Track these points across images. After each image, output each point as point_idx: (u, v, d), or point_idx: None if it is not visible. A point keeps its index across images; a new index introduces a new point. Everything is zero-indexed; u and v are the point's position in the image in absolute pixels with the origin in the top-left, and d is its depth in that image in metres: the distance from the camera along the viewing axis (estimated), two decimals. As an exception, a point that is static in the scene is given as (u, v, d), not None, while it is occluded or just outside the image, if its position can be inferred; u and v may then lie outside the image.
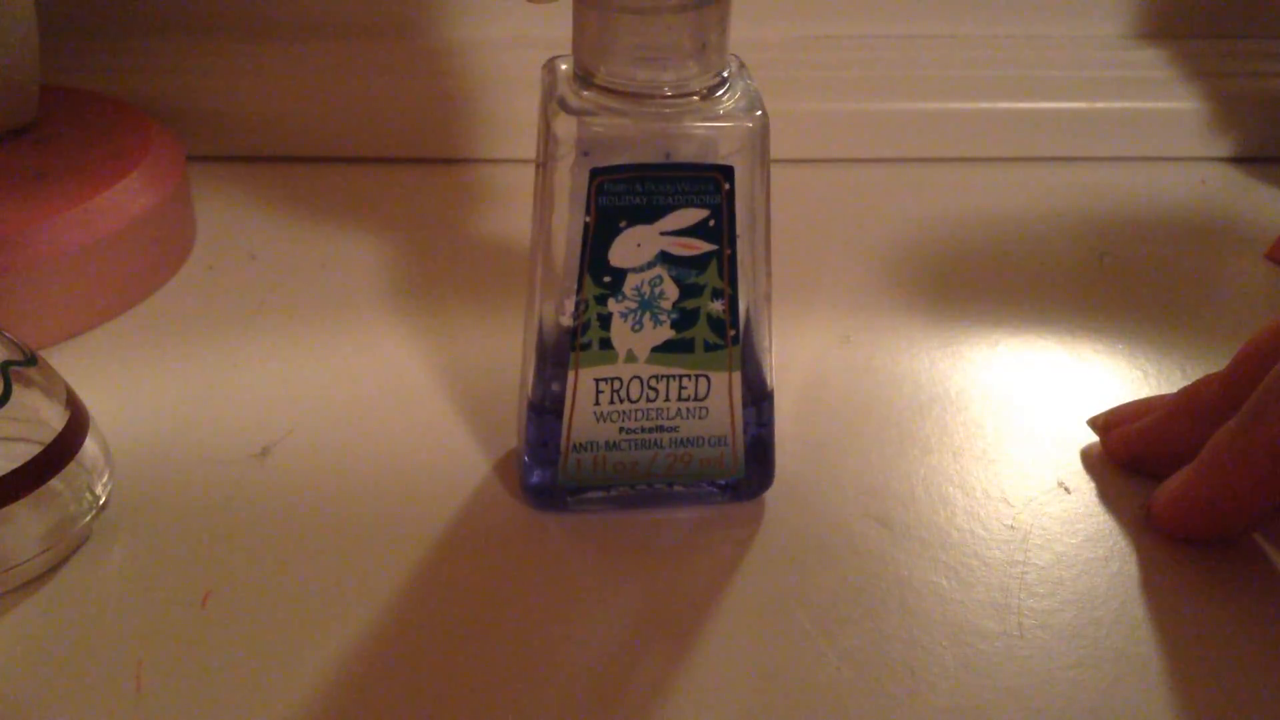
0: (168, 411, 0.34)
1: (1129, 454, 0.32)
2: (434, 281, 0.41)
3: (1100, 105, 0.49)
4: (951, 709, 0.25)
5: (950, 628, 0.27)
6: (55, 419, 0.29)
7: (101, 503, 0.30)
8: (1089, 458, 0.33)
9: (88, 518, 0.29)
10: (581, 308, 0.27)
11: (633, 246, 0.26)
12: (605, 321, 0.27)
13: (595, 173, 0.26)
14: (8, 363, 0.28)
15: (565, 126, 0.25)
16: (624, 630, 0.27)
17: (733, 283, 0.27)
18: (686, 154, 0.26)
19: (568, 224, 0.26)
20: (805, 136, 0.49)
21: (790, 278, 0.41)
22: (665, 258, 0.27)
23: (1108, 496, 0.31)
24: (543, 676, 0.26)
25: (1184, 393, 0.31)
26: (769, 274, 0.28)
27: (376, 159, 0.50)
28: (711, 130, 0.26)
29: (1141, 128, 0.50)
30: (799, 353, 0.37)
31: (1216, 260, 0.43)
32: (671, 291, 0.27)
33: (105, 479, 0.30)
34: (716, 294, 0.27)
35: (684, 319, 0.27)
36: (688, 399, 0.28)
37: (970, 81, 0.50)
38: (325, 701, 0.25)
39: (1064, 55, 0.52)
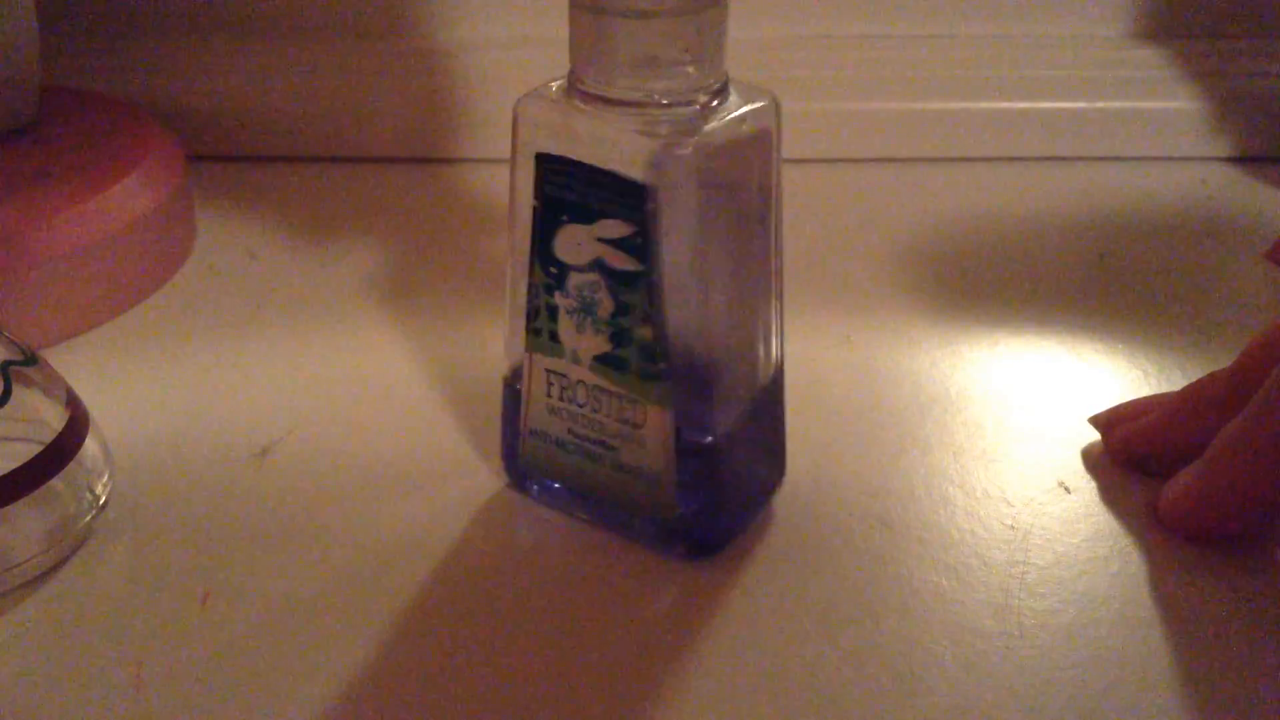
0: (168, 411, 0.34)
1: (1131, 452, 0.32)
2: (434, 281, 0.41)
3: (1100, 105, 0.49)
4: (951, 709, 0.25)
5: (950, 628, 0.27)
6: (55, 419, 0.29)
7: (101, 503, 0.30)
8: (1090, 457, 0.33)
9: (88, 518, 0.29)
10: (532, 292, 0.27)
11: (573, 244, 0.26)
12: (553, 313, 0.27)
13: (541, 158, 0.26)
14: (8, 363, 0.28)
15: (520, 110, 0.26)
16: (622, 629, 0.27)
17: (658, 311, 0.26)
18: (634, 164, 0.25)
19: (524, 208, 0.27)
20: (805, 136, 0.49)
21: (791, 277, 0.41)
22: (601, 266, 0.26)
23: (1109, 496, 0.31)
24: (545, 678, 0.26)
25: (1187, 390, 0.31)
26: (731, 315, 0.27)
27: (376, 159, 0.50)
28: (639, 148, 0.25)
29: (1141, 128, 0.50)
30: (799, 352, 0.37)
31: (1216, 260, 0.43)
32: (607, 303, 0.26)
33: (105, 479, 0.30)
34: (645, 318, 0.26)
35: (619, 335, 0.26)
36: (625, 421, 0.27)
37: (970, 81, 0.50)
38: (324, 701, 0.25)
39: (1064, 55, 0.52)
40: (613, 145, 0.25)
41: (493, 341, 0.37)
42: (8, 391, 0.28)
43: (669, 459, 0.27)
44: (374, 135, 0.49)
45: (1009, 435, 0.34)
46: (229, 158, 0.49)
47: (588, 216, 0.26)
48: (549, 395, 0.28)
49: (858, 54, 0.52)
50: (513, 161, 0.27)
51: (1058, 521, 0.30)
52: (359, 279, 0.41)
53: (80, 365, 0.36)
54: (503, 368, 0.30)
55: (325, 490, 0.31)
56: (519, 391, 0.29)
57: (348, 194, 0.47)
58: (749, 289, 0.28)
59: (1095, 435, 0.33)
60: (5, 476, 0.27)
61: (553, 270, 0.27)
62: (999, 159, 0.50)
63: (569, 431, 0.28)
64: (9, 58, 0.40)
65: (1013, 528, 0.30)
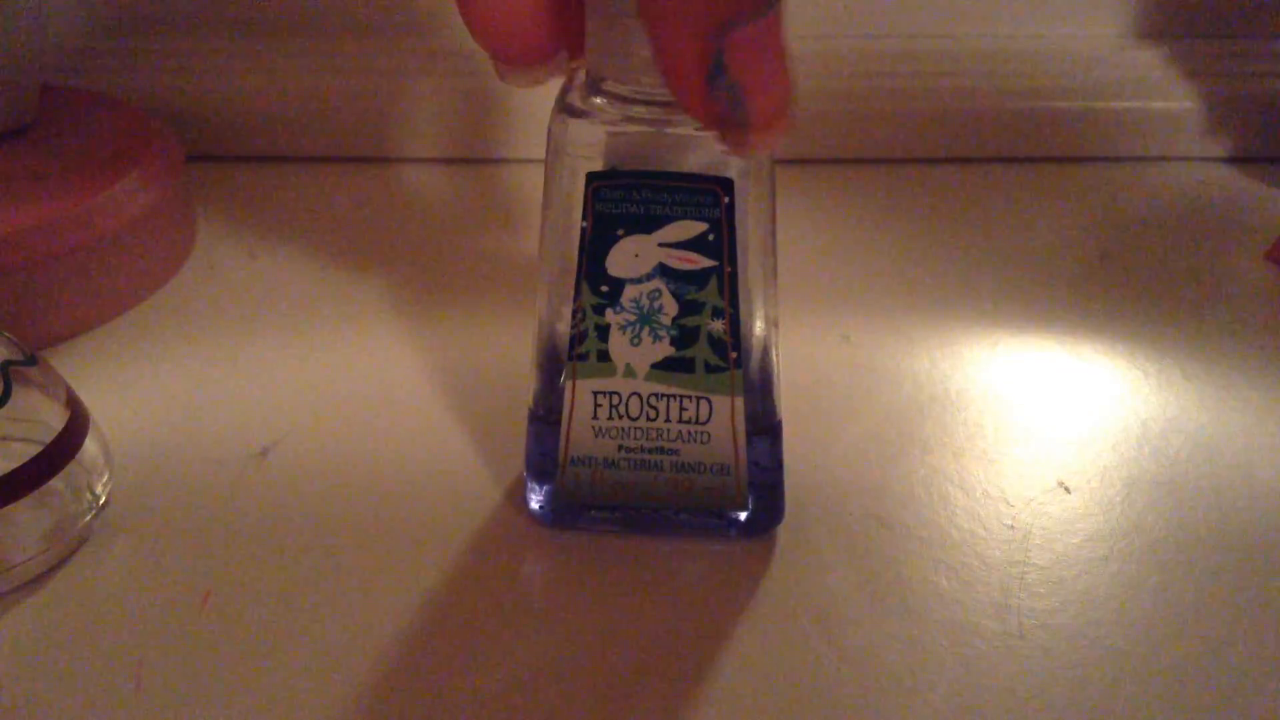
0: (168, 411, 0.34)
1: None
2: (434, 282, 0.41)
3: (1100, 105, 0.49)
4: (951, 709, 0.25)
5: (950, 628, 0.27)
6: (55, 419, 0.29)
7: (101, 503, 0.30)
8: (1089, 457, 0.33)
9: (88, 518, 0.29)
10: (579, 316, 0.27)
11: (630, 256, 0.26)
12: (603, 333, 0.27)
13: (592, 177, 0.25)
14: (8, 363, 0.28)
15: (562, 130, 0.25)
16: (620, 629, 0.27)
17: (734, 302, 0.26)
18: (692, 165, 0.25)
19: (567, 229, 0.26)
20: (805, 136, 0.49)
21: (791, 277, 0.41)
22: (664, 271, 0.26)
23: (1108, 496, 0.31)
24: (538, 677, 0.26)
25: None
26: (775, 297, 0.27)
27: (376, 159, 0.50)
28: (708, 139, 0.25)
29: (1141, 128, 0.50)
30: (799, 351, 0.37)
31: (1216, 260, 0.43)
32: (670, 307, 0.26)
33: (105, 479, 0.30)
34: (717, 313, 0.26)
35: (684, 336, 0.27)
36: (689, 421, 0.28)
37: (970, 81, 0.50)
38: (324, 702, 0.25)
39: (1064, 55, 0.52)
40: (671, 147, 0.25)
41: (495, 344, 0.37)
42: (8, 391, 0.28)
43: (740, 446, 0.28)
44: (374, 135, 0.49)
45: (1009, 435, 0.34)
46: (229, 158, 0.49)
47: (649, 225, 0.26)
48: (595, 418, 0.28)
49: (857, 54, 0.52)
50: (550, 187, 0.26)
51: (1057, 521, 0.30)
52: (359, 279, 0.41)
53: (80, 365, 0.36)
54: (527, 400, 0.29)
55: (325, 491, 0.31)
56: (548, 422, 0.28)
57: (347, 194, 0.47)
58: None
59: (1094, 435, 0.33)
60: (5, 476, 0.27)
61: (604, 289, 0.26)
62: (999, 159, 0.50)
63: (619, 449, 0.28)
64: (10, 58, 0.40)
65: (1013, 528, 0.30)
